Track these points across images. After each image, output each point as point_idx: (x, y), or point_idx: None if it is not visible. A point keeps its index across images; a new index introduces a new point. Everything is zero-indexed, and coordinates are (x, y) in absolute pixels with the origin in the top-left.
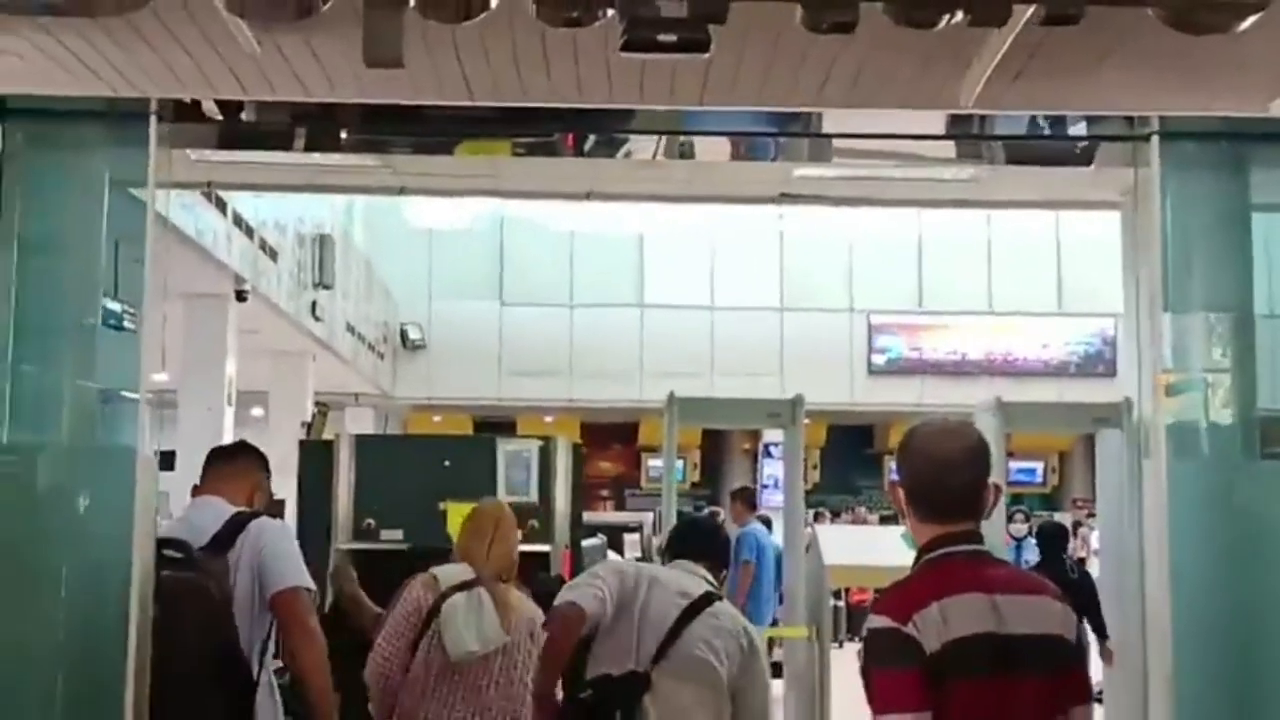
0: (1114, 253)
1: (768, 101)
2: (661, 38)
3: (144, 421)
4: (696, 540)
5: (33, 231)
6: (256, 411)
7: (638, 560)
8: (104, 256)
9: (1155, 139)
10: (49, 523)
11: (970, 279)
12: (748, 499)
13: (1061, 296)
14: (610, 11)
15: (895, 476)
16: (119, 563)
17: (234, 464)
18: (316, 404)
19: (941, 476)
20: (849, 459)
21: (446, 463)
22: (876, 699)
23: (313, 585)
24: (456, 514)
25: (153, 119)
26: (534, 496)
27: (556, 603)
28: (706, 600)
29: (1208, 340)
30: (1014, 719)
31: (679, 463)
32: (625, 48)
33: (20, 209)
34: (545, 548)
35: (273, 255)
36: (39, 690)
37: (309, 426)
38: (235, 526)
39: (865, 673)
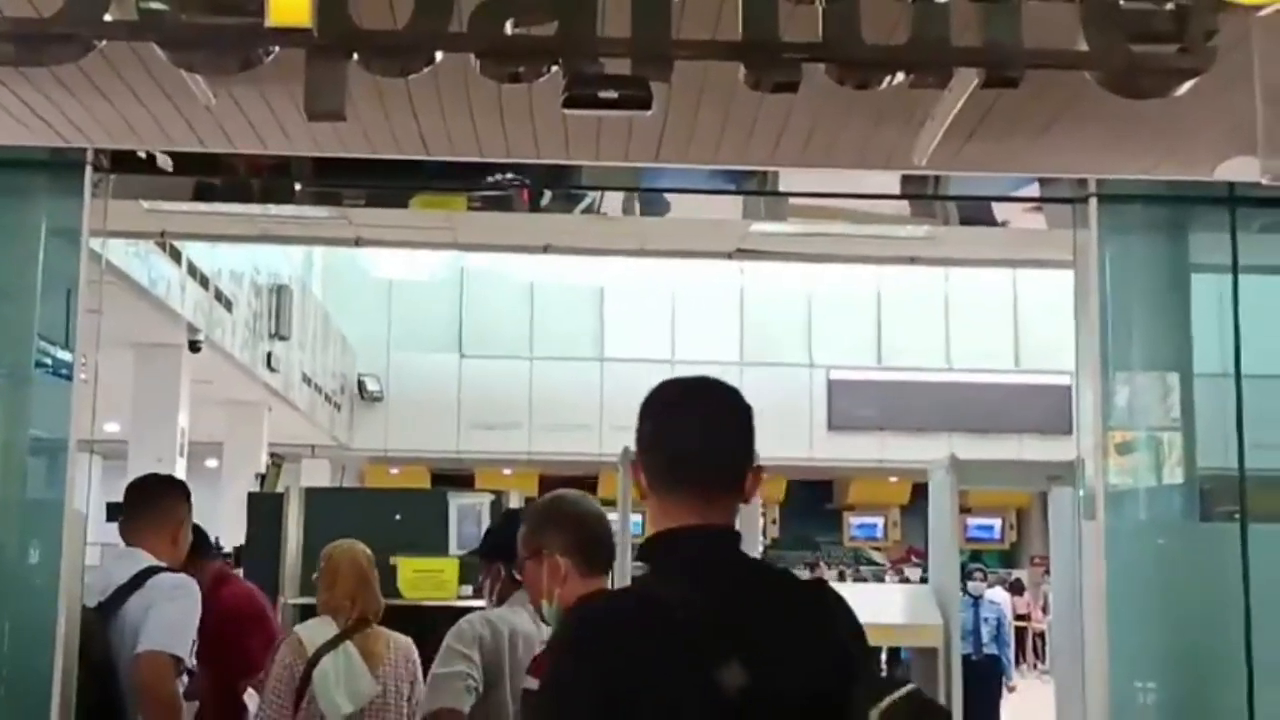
0: (1069, 311)
1: (722, 160)
2: (602, 94)
3: (72, 473)
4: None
5: None
6: (210, 463)
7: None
8: (38, 305)
9: (1093, 201)
10: None
11: (928, 336)
12: None
13: (1019, 354)
14: (555, 68)
15: None
16: (45, 615)
17: (155, 509)
18: (271, 455)
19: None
20: (808, 514)
21: (398, 516)
22: None
23: (180, 652)
24: (407, 568)
25: (88, 169)
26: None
27: (430, 707)
28: None
29: (1149, 400)
30: None
31: (637, 517)
32: (568, 104)
33: None
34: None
35: (228, 305)
36: None
37: (263, 478)
38: (136, 582)
39: None
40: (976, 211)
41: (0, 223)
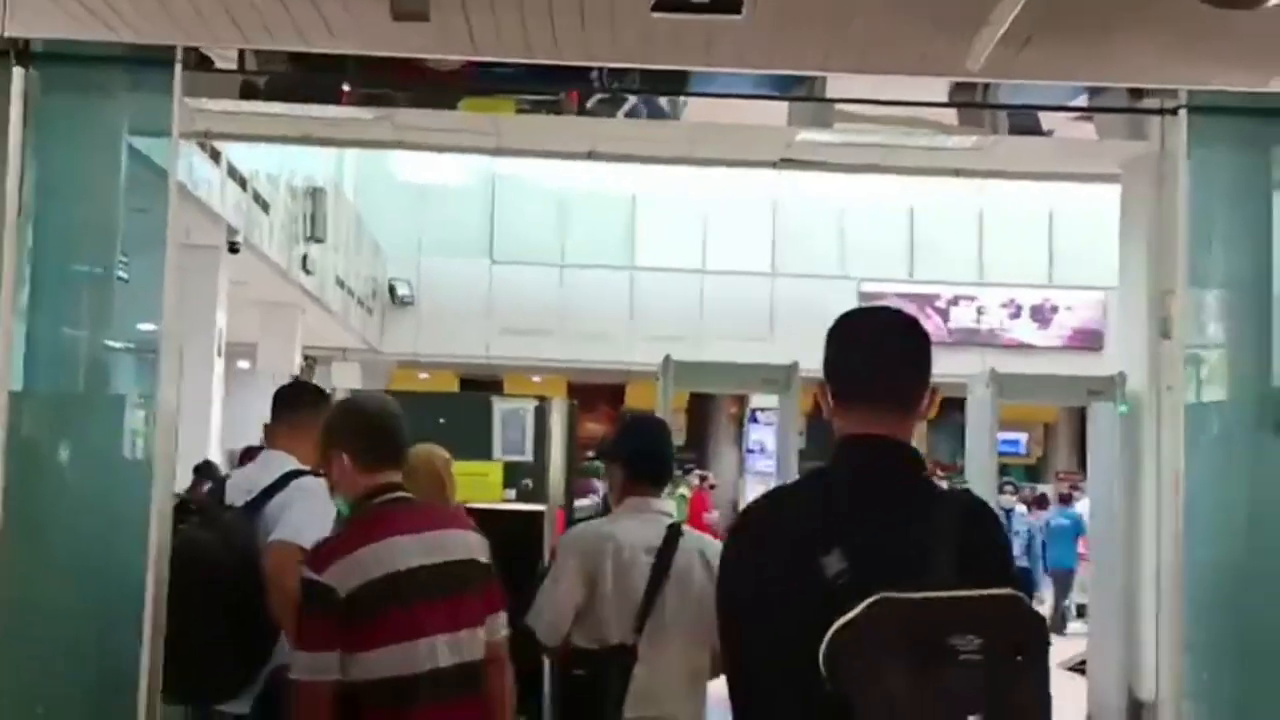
0: (1107, 226)
1: (776, 66)
2: None
3: (164, 372)
4: (647, 466)
5: (52, 178)
6: (243, 364)
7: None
8: (122, 206)
9: (1183, 113)
10: (68, 472)
11: (961, 249)
12: None
13: (1053, 269)
14: None
15: None
16: (137, 518)
17: (298, 415)
18: (305, 357)
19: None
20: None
21: (442, 420)
22: None
23: (305, 544)
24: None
25: (178, 67)
26: (529, 456)
27: (539, 632)
28: (671, 544)
29: (1225, 316)
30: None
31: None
32: (657, 7)
33: (40, 156)
34: (540, 507)
35: (265, 207)
36: (55, 640)
37: (297, 380)
38: (280, 483)
39: None
40: (1029, 121)
41: (83, 122)
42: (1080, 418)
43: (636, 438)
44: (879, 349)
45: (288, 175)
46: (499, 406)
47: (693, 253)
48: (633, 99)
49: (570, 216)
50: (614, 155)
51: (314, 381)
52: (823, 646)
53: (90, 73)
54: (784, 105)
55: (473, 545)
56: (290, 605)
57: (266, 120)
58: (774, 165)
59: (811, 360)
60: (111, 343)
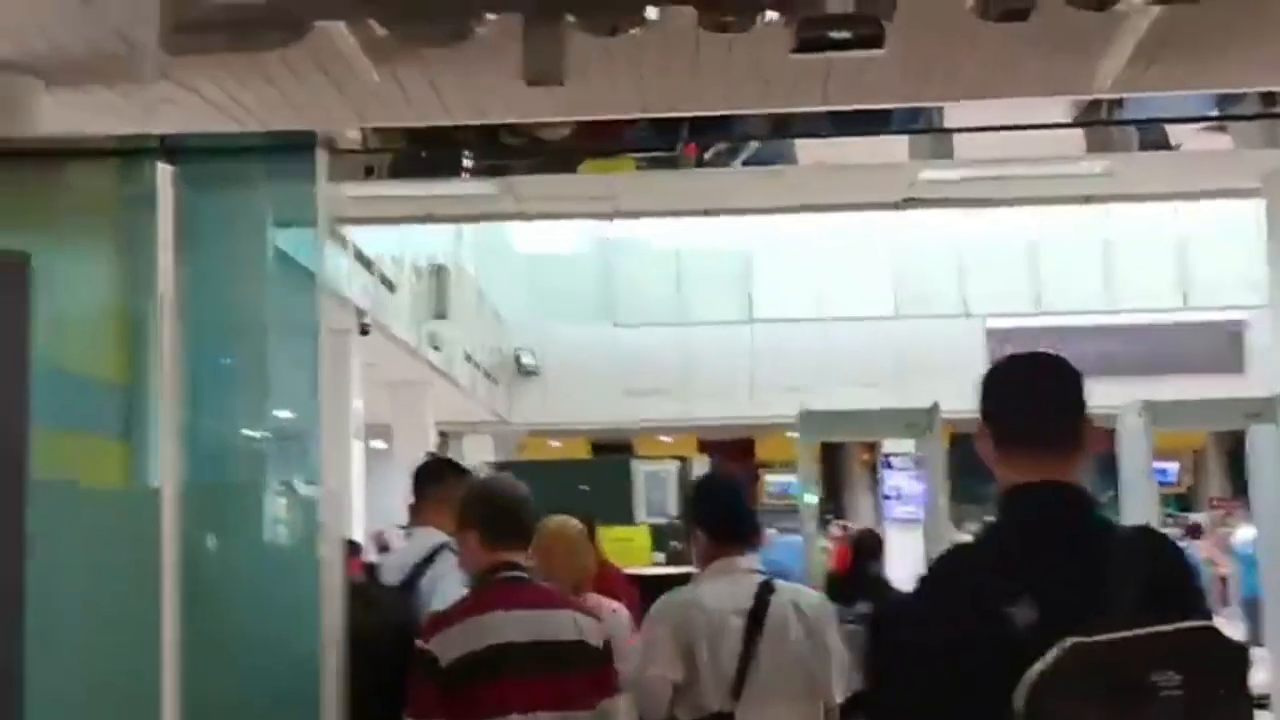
0: (1240, 246)
1: (896, 98)
2: (834, 35)
3: (326, 458)
4: (727, 525)
5: (201, 269)
6: (378, 444)
7: None
8: (269, 295)
9: None
10: (238, 563)
11: (1088, 279)
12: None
13: (1186, 293)
14: (771, 15)
15: None
16: (310, 604)
17: (440, 488)
18: (440, 434)
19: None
20: (975, 467)
21: (583, 486)
22: None
23: None
24: (604, 536)
25: (320, 152)
26: (674, 516)
27: (641, 674)
28: (763, 603)
29: None
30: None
31: (789, 478)
32: (800, 48)
33: (188, 248)
34: (691, 569)
35: (391, 288)
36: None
37: (436, 457)
38: (429, 558)
39: None
40: (1160, 137)
41: (228, 214)
42: (1232, 442)
43: (711, 498)
44: (1037, 394)
45: (410, 255)
46: (640, 469)
47: (811, 301)
48: (752, 146)
49: (687, 274)
50: (732, 209)
51: (449, 456)
52: (1021, 695)
53: (233, 165)
54: (905, 142)
55: (583, 628)
56: None
57: (390, 202)
58: (896, 206)
59: (944, 401)
60: (266, 431)
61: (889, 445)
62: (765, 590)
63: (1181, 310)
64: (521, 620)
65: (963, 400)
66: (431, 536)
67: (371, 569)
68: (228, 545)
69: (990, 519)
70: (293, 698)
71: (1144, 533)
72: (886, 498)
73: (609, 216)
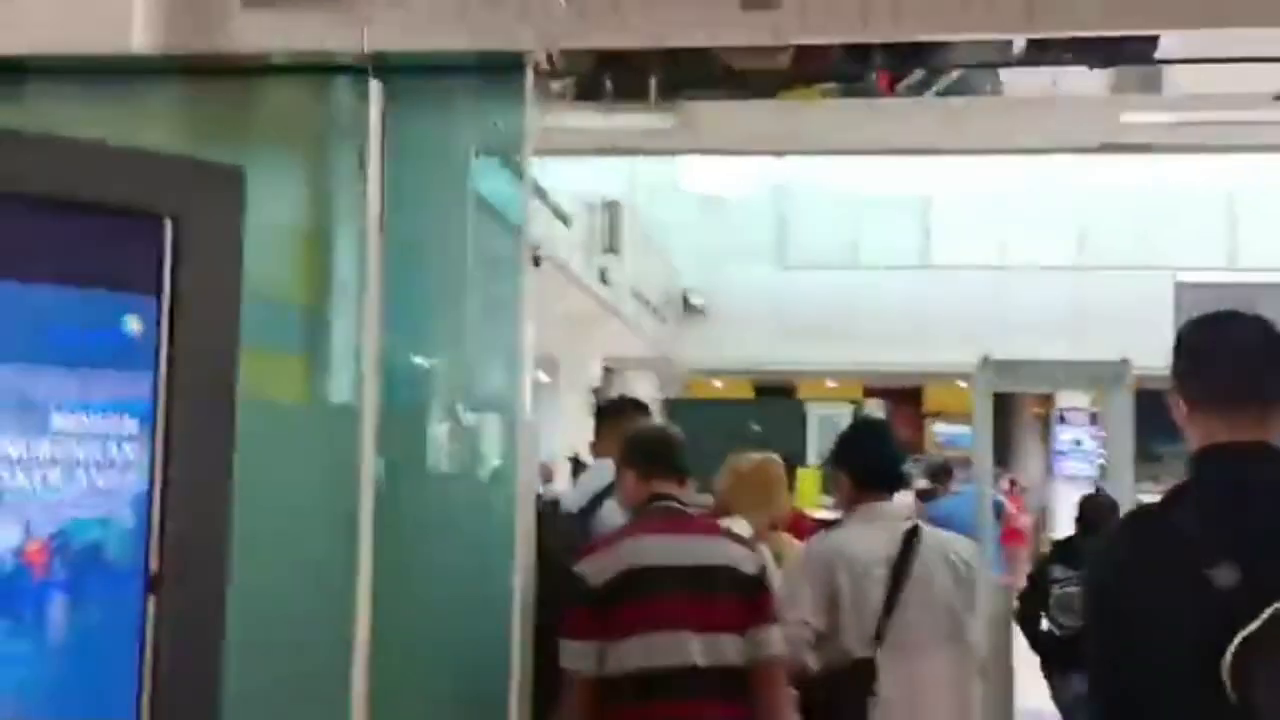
0: None
1: (1104, 26)
2: None
3: (522, 386)
4: (874, 471)
5: (401, 191)
6: (542, 377)
7: None
8: (471, 221)
9: None
10: (435, 489)
11: None
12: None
13: None
14: None
15: None
16: (505, 530)
17: (622, 423)
18: (605, 369)
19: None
20: (1150, 425)
21: (756, 426)
22: None
23: None
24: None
25: (528, 73)
26: None
27: (783, 652)
28: (909, 550)
29: None
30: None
31: (965, 429)
32: None
33: (390, 171)
34: None
35: (565, 221)
36: (428, 647)
37: (597, 392)
38: (610, 489)
39: None
40: None
41: (432, 137)
42: None
43: (860, 443)
44: (1237, 354)
45: (583, 189)
46: (814, 413)
47: (990, 249)
48: (949, 78)
49: (861, 218)
50: (917, 149)
51: (610, 393)
52: (1228, 657)
53: (441, 84)
54: (1108, 78)
55: (734, 555)
56: None
57: (568, 134)
58: (1095, 150)
59: (1123, 354)
60: (462, 359)
61: (1064, 399)
62: (911, 537)
63: None
64: (670, 545)
65: (1146, 355)
66: (610, 468)
67: (555, 500)
68: (421, 470)
69: (1179, 481)
70: (484, 624)
71: None
72: (1058, 453)
73: (790, 152)
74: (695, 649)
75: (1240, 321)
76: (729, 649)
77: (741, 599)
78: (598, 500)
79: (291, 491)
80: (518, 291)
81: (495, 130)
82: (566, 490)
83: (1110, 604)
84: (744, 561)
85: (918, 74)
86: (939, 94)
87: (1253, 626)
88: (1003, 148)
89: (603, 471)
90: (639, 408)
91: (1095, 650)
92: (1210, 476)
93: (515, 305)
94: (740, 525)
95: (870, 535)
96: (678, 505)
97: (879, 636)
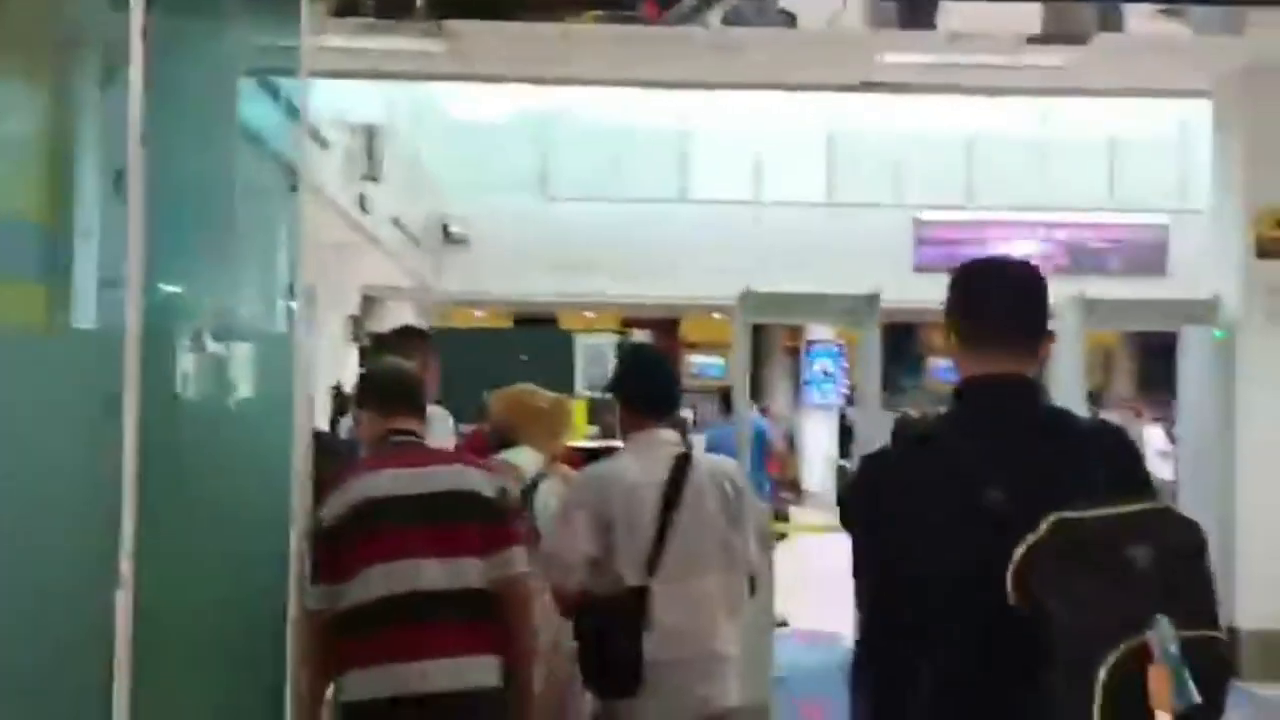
0: (1168, 150)
1: None
2: None
3: (301, 313)
4: (649, 398)
5: (165, 112)
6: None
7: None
8: (239, 148)
9: None
10: (205, 415)
11: (1022, 178)
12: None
13: (1113, 194)
14: None
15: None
16: (282, 453)
17: (407, 354)
18: (363, 298)
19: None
20: (892, 358)
21: (524, 356)
22: None
23: None
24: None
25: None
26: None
27: (547, 577)
28: (679, 476)
29: None
30: None
31: (719, 360)
32: None
33: (160, 92)
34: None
35: (322, 144)
36: (204, 580)
37: (356, 320)
38: None
39: None
40: (1118, 24)
41: (200, 59)
42: (1138, 343)
43: (636, 370)
44: (1005, 297)
45: (343, 113)
46: (581, 342)
47: (746, 185)
48: (716, 8)
49: (622, 152)
50: (680, 83)
51: (367, 322)
52: (1011, 565)
53: (211, 3)
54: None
55: (471, 480)
56: None
57: (332, 55)
58: (855, 89)
59: (872, 289)
60: (226, 285)
61: (814, 331)
62: (682, 462)
63: (1108, 211)
64: (404, 476)
65: (889, 290)
66: None
67: (333, 426)
68: (185, 402)
69: (944, 408)
70: (265, 543)
71: (1100, 423)
72: (806, 384)
73: (559, 83)
74: (434, 574)
75: (1011, 267)
76: (470, 572)
77: (482, 523)
78: None
79: (37, 428)
80: (296, 217)
81: (266, 48)
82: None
83: (885, 512)
84: (483, 486)
85: (688, 1)
86: (713, 24)
87: (1035, 536)
88: (765, 83)
89: None
90: (424, 335)
91: (866, 557)
92: (978, 404)
93: (295, 231)
94: (527, 456)
95: (643, 462)
96: (414, 438)
97: (652, 563)
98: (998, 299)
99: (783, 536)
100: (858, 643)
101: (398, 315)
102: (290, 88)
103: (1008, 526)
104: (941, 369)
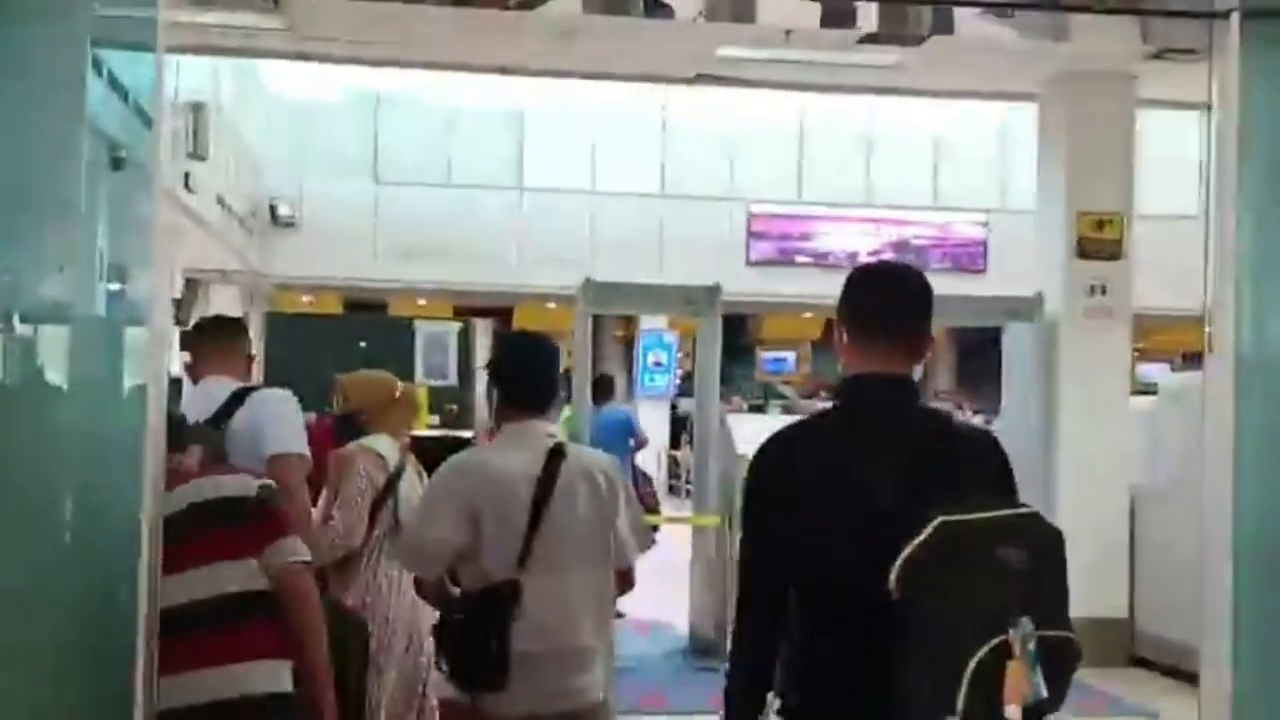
0: (988, 150)
1: None
2: None
3: (156, 295)
4: (527, 388)
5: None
6: (115, 286)
7: None
8: (87, 127)
9: (1235, 16)
10: (54, 403)
11: (850, 172)
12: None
13: (937, 192)
14: None
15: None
16: (131, 439)
17: (221, 344)
18: (186, 280)
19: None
20: (723, 349)
21: (363, 344)
22: None
23: (305, 452)
24: None
25: None
26: (453, 380)
27: (410, 570)
28: (552, 469)
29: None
30: None
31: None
32: None
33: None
34: (468, 434)
35: (146, 123)
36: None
37: (179, 304)
38: (237, 399)
39: None
40: (949, 24)
41: (45, 38)
42: (958, 338)
43: (516, 358)
44: (896, 298)
45: (169, 89)
46: (422, 330)
47: (582, 174)
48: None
49: (456, 136)
50: (518, 70)
51: (193, 305)
52: (898, 562)
53: None
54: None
55: (225, 485)
56: (308, 517)
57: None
58: (689, 81)
59: (704, 281)
60: (80, 270)
61: (647, 321)
62: (556, 455)
63: (931, 209)
64: (176, 494)
65: (722, 280)
66: (227, 384)
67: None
68: (42, 387)
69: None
70: (99, 536)
71: (972, 426)
72: (639, 373)
73: (399, 65)
74: (193, 584)
75: (900, 273)
76: (237, 576)
77: (246, 523)
78: (227, 409)
79: None
80: (151, 196)
81: (114, 20)
82: (186, 400)
83: (779, 494)
84: (243, 487)
85: None
86: (554, 9)
87: (921, 536)
88: (601, 72)
89: (222, 385)
90: (240, 325)
91: (756, 540)
92: (864, 399)
93: (149, 210)
94: (384, 443)
95: (516, 454)
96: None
97: (523, 558)
98: (887, 302)
99: (656, 528)
100: (739, 614)
101: (222, 299)
102: (116, 61)
103: (894, 522)
104: (770, 361)
